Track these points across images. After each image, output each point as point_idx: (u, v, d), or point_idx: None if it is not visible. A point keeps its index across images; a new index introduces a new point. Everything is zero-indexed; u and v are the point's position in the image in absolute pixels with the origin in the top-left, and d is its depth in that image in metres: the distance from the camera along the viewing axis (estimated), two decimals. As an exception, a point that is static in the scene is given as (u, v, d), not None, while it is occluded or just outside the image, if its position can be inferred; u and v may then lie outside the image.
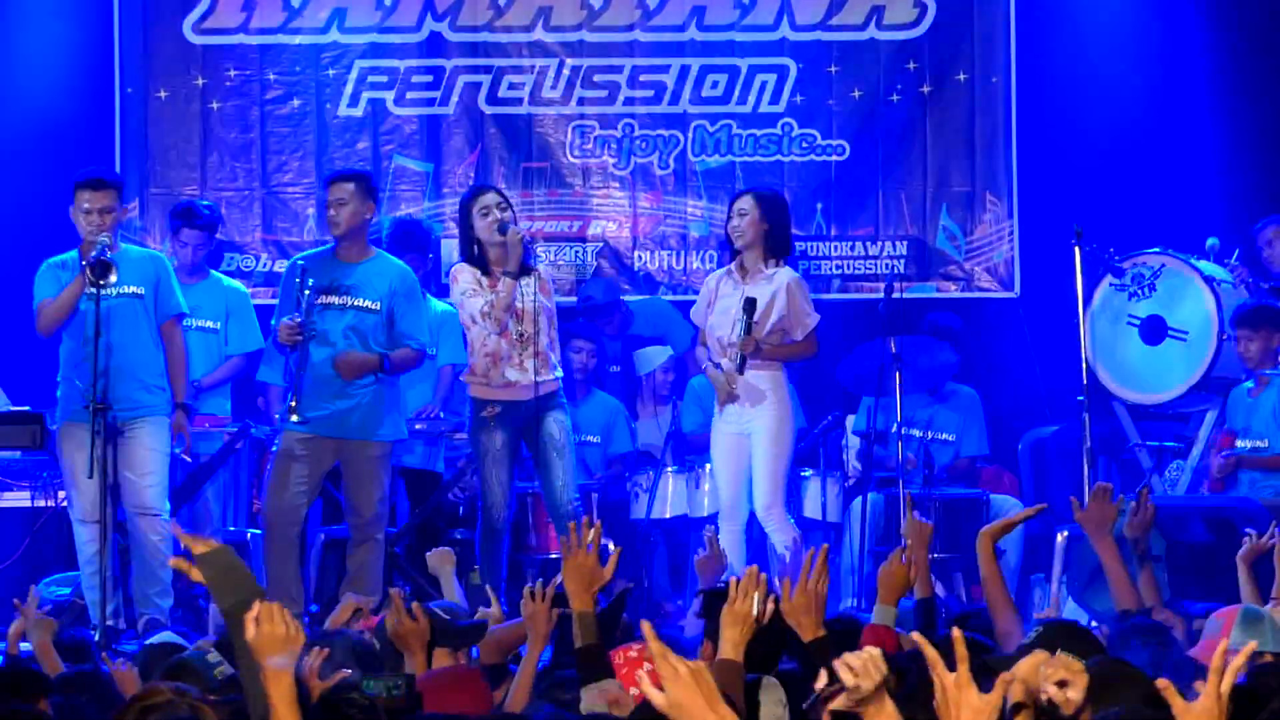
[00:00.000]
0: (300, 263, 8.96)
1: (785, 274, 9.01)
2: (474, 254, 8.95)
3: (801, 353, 9.12)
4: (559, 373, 9.02)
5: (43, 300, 8.71)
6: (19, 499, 9.33)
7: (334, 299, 8.84)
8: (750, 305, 8.85)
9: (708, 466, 9.81)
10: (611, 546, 5.57)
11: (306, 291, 8.81)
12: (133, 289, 8.72)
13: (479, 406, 8.90)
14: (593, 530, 5.10)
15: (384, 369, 8.84)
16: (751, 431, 8.99)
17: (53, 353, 8.86)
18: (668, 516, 9.89)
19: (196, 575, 4.46)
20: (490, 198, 8.98)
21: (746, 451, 9.04)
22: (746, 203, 9.01)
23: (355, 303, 8.83)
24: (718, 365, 9.06)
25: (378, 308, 8.85)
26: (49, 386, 8.89)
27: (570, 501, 8.89)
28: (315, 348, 8.81)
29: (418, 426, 9.74)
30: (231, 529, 9.72)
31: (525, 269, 8.89)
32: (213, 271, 9.98)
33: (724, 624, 4.62)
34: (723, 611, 4.60)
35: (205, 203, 10.20)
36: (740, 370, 8.90)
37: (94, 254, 8.46)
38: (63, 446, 8.66)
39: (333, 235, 8.99)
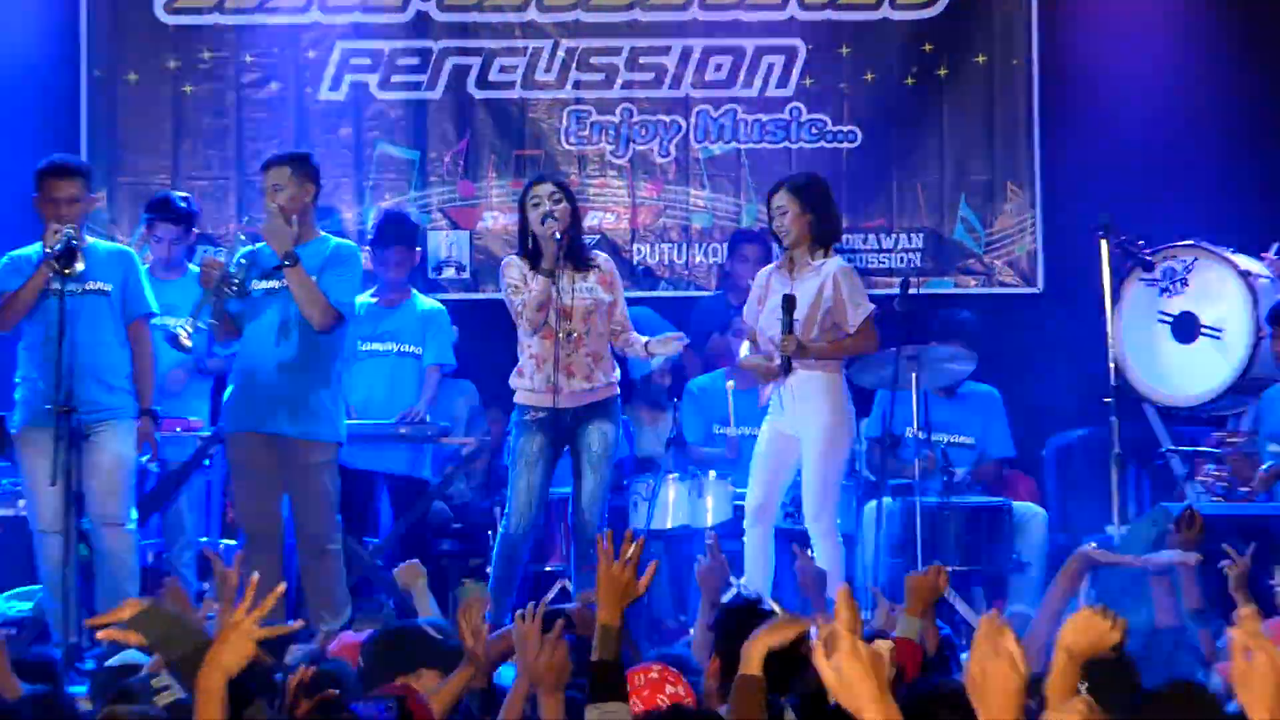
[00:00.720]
0: (241, 260, 8.79)
1: (833, 264, 8.85)
2: (529, 247, 8.82)
3: (856, 347, 8.89)
4: (616, 374, 8.88)
5: (2, 292, 8.63)
6: (-24, 508, 9.46)
7: (274, 284, 8.70)
8: (789, 303, 8.70)
9: (710, 475, 9.76)
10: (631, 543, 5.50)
11: (240, 264, 8.67)
12: (99, 285, 8.67)
13: (522, 411, 8.78)
14: (634, 546, 5.03)
15: (291, 260, 8.57)
16: (803, 436, 8.80)
17: (11, 351, 8.80)
18: (669, 527, 9.72)
19: (134, 639, 4.44)
20: (543, 188, 8.79)
21: (793, 454, 8.87)
22: (783, 198, 8.85)
23: None
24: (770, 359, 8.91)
25: (314, 283, 8.70)
26: (7, 388, 8.83)
27: (592, 521, 8.73)
28: (250, 333, 8.70)
29: (401, 431, 9.70)
30: (204, 540, 9.69)
31: (582, 263, 8.76)
32: (191, 266, 9.76)
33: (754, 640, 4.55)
34: (762, 635, 4.51)
35: (181, 194, 10.10)
36: (785, 372, 8.72)
37: (58, 244, 8.40)
38: (23, 452, 8.62)
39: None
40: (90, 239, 8.81)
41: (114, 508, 8.53)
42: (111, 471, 8.55)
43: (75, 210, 8.57)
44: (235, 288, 8.63)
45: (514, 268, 8.85)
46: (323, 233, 8.98)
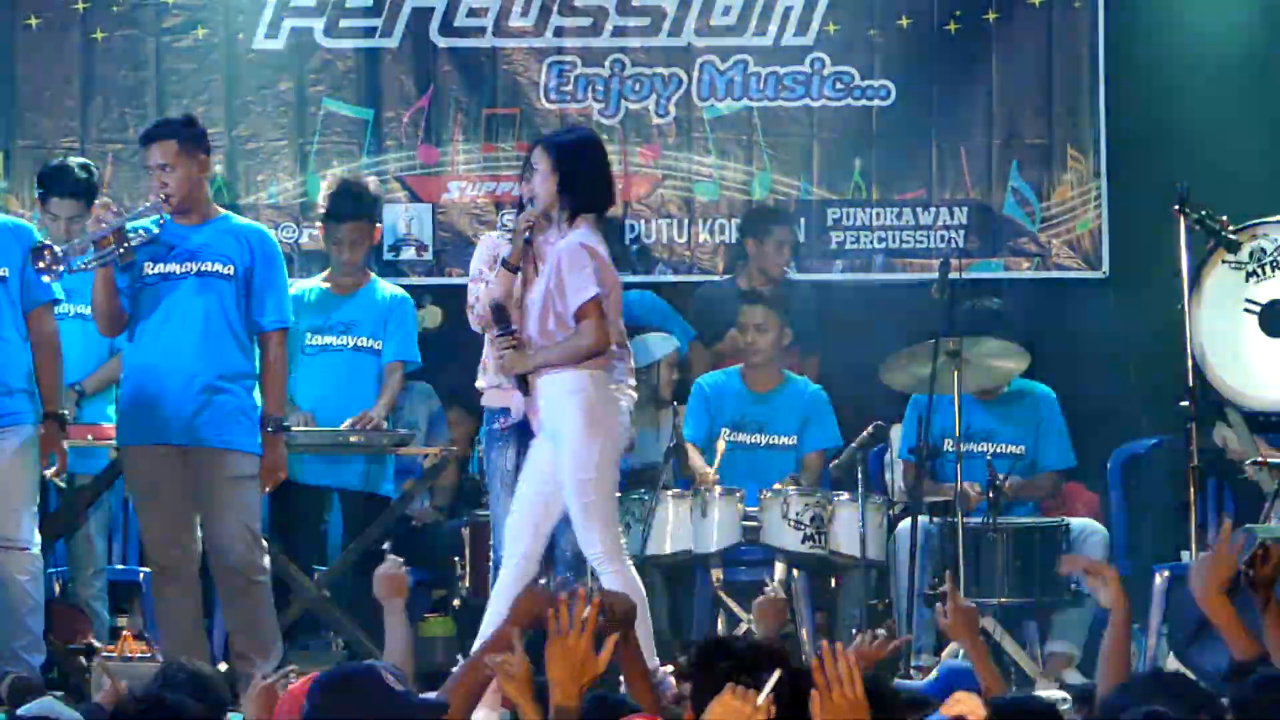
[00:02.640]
0: (141, 230, 8.62)
1: (567, 238, 8.16)
2: None
3: (578, 347, 8.07)
4: None
5: None
6: None
7: (174, 267, 8.59)
8: (498, 314, 8.21)
9: (717, 490, 9.76)
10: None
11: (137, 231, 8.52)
12: (-9, 268, 8.46)
13: (489, 417, 8.64)
14: (590, 607, 4.92)
15: (280, 430, 8.67)
16: (555, 449, 8.14)
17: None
18: (668, 553, 9.69)
19: None
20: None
21: None
22: (537, 155, 8.29)
23: (203, 267, 8.61)
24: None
25: (231, 272, 8.63)
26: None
27: (576, 554, 8.45)
28: (146, 327, 8.62)
29: (353, 439, 9.60)
30: (120, 568, 9.74)
31: None
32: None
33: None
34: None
35: (80, 161, 9.91)
36: (524, 392, 8.16)
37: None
38: (-99, 466, 8.40)
39: (165, 211, 8.61)
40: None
41: (13, 527, 8.39)
42: (10, 487, 8.43)
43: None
44: (125, 249, 8.47)
45: (483, 246, 8.73)
46: (222, 210, 8.87)
